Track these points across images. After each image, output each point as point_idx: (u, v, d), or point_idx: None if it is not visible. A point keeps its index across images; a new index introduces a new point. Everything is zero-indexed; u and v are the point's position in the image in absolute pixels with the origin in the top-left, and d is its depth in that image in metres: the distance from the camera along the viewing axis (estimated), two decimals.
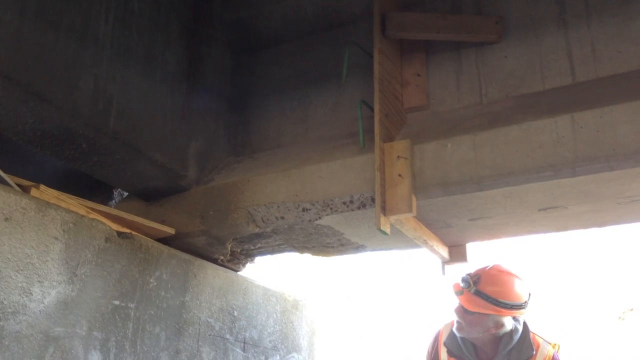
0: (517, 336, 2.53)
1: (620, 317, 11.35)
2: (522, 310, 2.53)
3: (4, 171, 2.37)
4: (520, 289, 2.54)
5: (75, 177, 3.23)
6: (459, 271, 3.30)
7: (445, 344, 2.70)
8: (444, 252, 3.23)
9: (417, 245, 3.23)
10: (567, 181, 2.47)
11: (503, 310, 2.48)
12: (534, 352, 2.49)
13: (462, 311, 2.57)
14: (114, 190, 3.58)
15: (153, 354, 2.65)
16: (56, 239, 2.30)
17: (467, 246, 3.29)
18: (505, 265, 2.67)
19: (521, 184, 2.53)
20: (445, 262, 3.29)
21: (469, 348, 2.61)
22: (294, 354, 3.60)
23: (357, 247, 3.36)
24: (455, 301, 2.64)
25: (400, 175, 2.68)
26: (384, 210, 2.63)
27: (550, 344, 2.54)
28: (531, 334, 2.57)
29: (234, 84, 3.60)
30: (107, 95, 2.65)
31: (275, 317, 3.48)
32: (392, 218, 2.65)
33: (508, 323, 2.52)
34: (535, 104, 2.72)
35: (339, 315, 4.15)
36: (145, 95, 2.87)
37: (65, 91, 2.46)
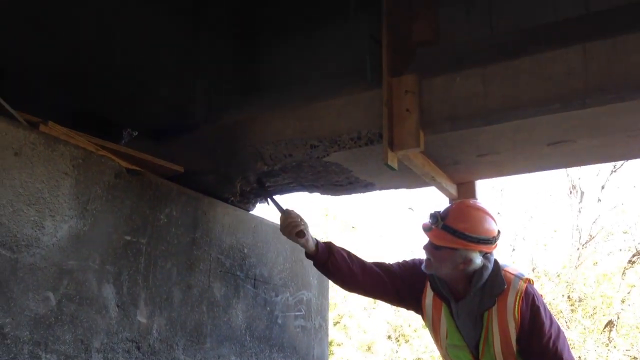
0: (487, 273, 2.51)
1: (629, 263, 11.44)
2: (491, 246, 2.50)
3: (14, 108, 2.37)
4: (489, 225, 2.50)
5: (84, 117, 3.22)
6: None
7: (428, 276, 2.68)
8: (453, 189, 3.24)
9: (425, 183, 3.24)
10: (576, 113, 2.44)
11: (470, 244, 2.44)
12: (505, 287, 2.48)
13: (430, 247, 2.54)
14: (123, 131, 3.59)
15: (165, 288, 2.71)
16: (66, 174, 2.32)
17: (475, 183, 3.29)
18: (475, 201, 2.64)
19: (530, 117, 2.51)
20: (453, 200, 3.30)
21: (444, 286, 2.61)
22: (304, 292, 3.67)
23: (366, 185, 3.38)
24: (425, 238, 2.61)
25: (408, 110, 2.66)
26: (392, 145, 2.62)
27: (522, 278, 2.54)
28: (503, 271, 2.54)
29: (241, 20, 3.55)
30: (111, 30, 2.63)
31: (284, 255, 3.52)
32: (400, 153, 2.65)
33: (477, 258, 2.48)
34: (547, 35, 2.66)
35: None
36: (149, 31, 2.84)
37: (68, 25, 2.44)
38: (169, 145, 3.29)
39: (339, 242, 2.85)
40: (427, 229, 2.53)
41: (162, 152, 3.26)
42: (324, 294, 3.87)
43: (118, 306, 2.48)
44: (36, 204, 2.19)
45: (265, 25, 3.54)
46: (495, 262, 2.56)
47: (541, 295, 2.58)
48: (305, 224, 2.70)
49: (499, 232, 2.54)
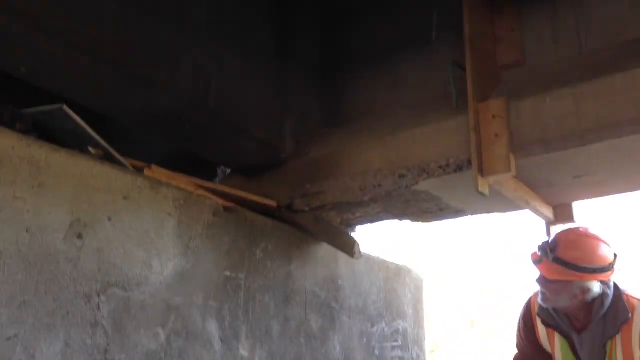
0: (608, 301, 2.38)
1: None
2: (608, 273, 2.37)
3: (118, 153, 2.55)
4: (603, 252, 2.38)
5: (181, 157, 3.41)
6: None
7: (538, 315, 2.62)
8: (548, 212, 3.15)
9: (519, 207, 3.16)
10: None
11: (586, 275, 2.34)
12: (630, 315, 2.34)
13: (544, 281, 2.44)
14: (217, 169, 3.75)
15: (264, 321, 2.78)
16: (169, 214, 2.45)
17: (573, 205, 3.18)
18: (586, 228, 2.53)
19: (628, 135, 2.41)
20: (550, 223, 3.20)
21: (562, 317, 2.50)
22: (400, 321, 3.65)
23: (457, 212, 3.34)
24: (536, 271, 2.53)
25: (496, 135, 2.63)
26: (482, 171, 2.59)
27: None
28: (625, 296, 2.41)
29: (324, 55, 3.65)
30: (205, 75, 2.78)
31: (378, 285, 3.53)
32: (491, 179, 2.61)
33: (595, 287, 2.37)
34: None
35: (448, 281, 4.16)
36: (240, 73, 2.97)
37: (167, 73, 2.59)
38: (261, 180, 3.40)
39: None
40: (537, 261, 2.45)
41: (254, 187, 3.38)
42: (419, 323, 3.84)
43: (222, 340, 2.57)
44: (144, 245, 2.33)
45: (348, 58, 3.61)
46: (616, 287, 2.44)
47: None
48: None
49: (615, 256, 2.43)
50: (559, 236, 2.49)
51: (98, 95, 2.54)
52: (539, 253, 2.45)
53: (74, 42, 2.25)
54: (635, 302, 2.40)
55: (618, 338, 2.37)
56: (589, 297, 2.39)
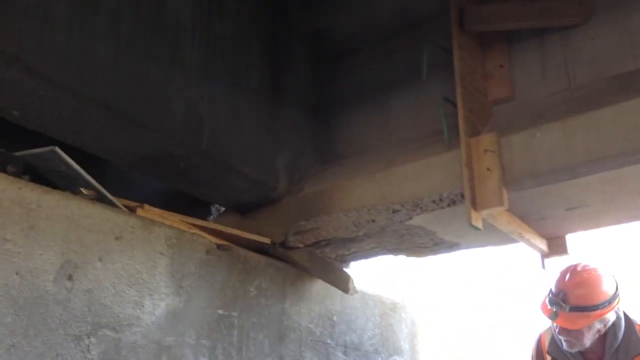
0: (620, 331, 2.40)
1: None
2: (618, 298, 2.43)
3: (111, 194, 2.55)
4: (609, 281, 2.43)
5: (174, 197, 3.41)
6: (559, 264, 3.20)
7: (549, 353, 2.61)
8: (542, 245, 3.14)
9: (513, 240, 3.16)
10: None
11: (605, 310, 2.38)
12: None
13: (566, 331, 2.46)
14: (211, 207, 3.75)
15: (258, 359, 2.75)
16: (162, 253, 2.45)
17: (566, 237, 3.18)
18: (579, 263, 2.55)
19: (618, 168, 2.43)
20: (544, 255, 3.19)
21: (575, 354, 2.50)
22: (396, 357, 3.61)
23: (451, 246, 3.33)
24: (549, 322, 2.53)
25: (488, 169, 2.64)
26: (475, 205, 2.60)
27: None
28: (637, 326, 2.42)
29: (316, 94, 3.68)
30: (198, 116, 2.80)
31: (374, 320, 3.50)
32: (484, 212, 2.62)
33: (611, 317, 2.42)
34: (628, 83, 2.60)
35: (439, 316, 4.12)
36: (232, 113, 3.00)
37: (159, 115, 2.62)
38: (254, 217, 3.39)
39: None
40: (553, 316, 2.45)
41: (248, 225, 3.37)
42: (416, 358, 3.79)
43: None
44: (136, 285, 2.31)
45: (340, 96, 3.65)
46: (627, 317, 2.46)
47: None
48: None
49: (615, 279, 2.48)
50: (561, 284, 2.49)
51: (90, 137, 2.55)
52: (551, 307, 2.44)
53: (65, 85, 2.27)
54: None
55: None
56: (607, 328, 2.42)
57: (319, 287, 3.21)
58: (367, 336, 3.43)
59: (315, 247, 3.37)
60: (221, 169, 2.93)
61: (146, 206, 2.62)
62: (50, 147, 2.19)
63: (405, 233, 3.13)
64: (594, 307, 2.37)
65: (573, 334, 2.43)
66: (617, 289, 2.43)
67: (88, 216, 2.18)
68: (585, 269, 2.49)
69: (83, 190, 2.34)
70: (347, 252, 3.44)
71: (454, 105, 2.82)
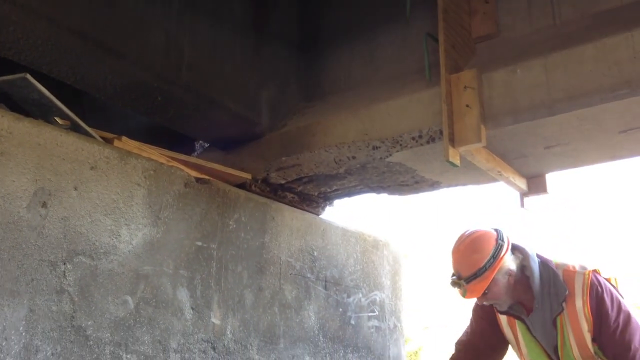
0: (533, 270, 2.48)
1: None
2: (504, 248, 2.48)
3: (94, 128, 2.56)
4: (484, 239, 2.50)
5: (159, 132, 3.41)
6: (539, 203, 3.23)
7: (501, 313, 2.68)
8: (522, 183, 3.15)
9: (493, 179, 3.17)
10: None
11: (495, 264, 2.44)
12: (567, 292, 2.42)
13: (482, 299, 2.54)
14: (195, 143, 3.76)
15: (237, 290, 2.81)
16: (139, 185, 2.47)
17: (546, 176, 3.19)
18: (458, 238, 2.61)
19: (596, 105, 2.42)
20: (523, 194, 3.21)
21: (514, 306, 2.59)
22: (377, 292, 3.69)
23: (432, 184, 3.35)
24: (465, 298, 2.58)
25: (468, 106, 2.63)
26: (452, 141, 2.60)
27: (584, 272, 2.44)
28: (563, 270, 2.49)
29: (302, 30, 3.63)
30: (178, 48, 2.77)
31: (355, 256, 3.56)
32: (462, 149, 2.62)
33: (511, 265, 2.49)
34: (612, 20, 2.55)
35: (421, 254, 4.19)
36: (214, 47, 2.96)
37: (137, 46, 2.60)
38: (238, 154, 3.41)
39: None
40: (464, 293, 2.51)
41: (231, 161, 3.39)
42: (397, 294, 3.87)
43: (193, 308, 2.60)
44: (112, 214, 2.34)
45: (326, 33, 3.60)
46: (544, 263, 2.52)
47: (609, 281, 2.48)
48: None
49: (496, 230, 2.55)
50: (453, 265, 2.56)
51: (66, 67, 2.54)
52: (458, 289, 2.52)
53: (39, 12, 2.25)
54: (573, 274, 2.47)
55: (565, 314, 2.43)
56: (514, 274, 2.50)
57: (300, 223, 3.25)
58: (348, 272, 3.49)
59: (298, 183, 3.39)
60: (202, 102, 2.92)
61: (124, 138, 2.63)
62: (22, 74, 2.17)
63: (386, 170, 3.14)
64: (483, 269, 2.43)
65: (490, 297, 2.51)
66: (497, 239, 2.50)
67: (62, 145, 2.19)
68: (462, 242, 2.57)
69: (57, 119, 2.35)
70: (329, 190, 3.47)
71: (437, 41, 2.78)
